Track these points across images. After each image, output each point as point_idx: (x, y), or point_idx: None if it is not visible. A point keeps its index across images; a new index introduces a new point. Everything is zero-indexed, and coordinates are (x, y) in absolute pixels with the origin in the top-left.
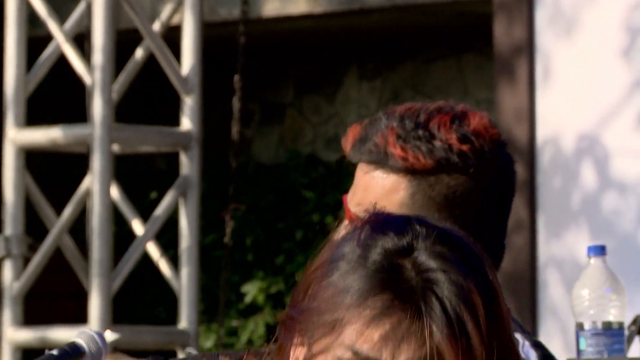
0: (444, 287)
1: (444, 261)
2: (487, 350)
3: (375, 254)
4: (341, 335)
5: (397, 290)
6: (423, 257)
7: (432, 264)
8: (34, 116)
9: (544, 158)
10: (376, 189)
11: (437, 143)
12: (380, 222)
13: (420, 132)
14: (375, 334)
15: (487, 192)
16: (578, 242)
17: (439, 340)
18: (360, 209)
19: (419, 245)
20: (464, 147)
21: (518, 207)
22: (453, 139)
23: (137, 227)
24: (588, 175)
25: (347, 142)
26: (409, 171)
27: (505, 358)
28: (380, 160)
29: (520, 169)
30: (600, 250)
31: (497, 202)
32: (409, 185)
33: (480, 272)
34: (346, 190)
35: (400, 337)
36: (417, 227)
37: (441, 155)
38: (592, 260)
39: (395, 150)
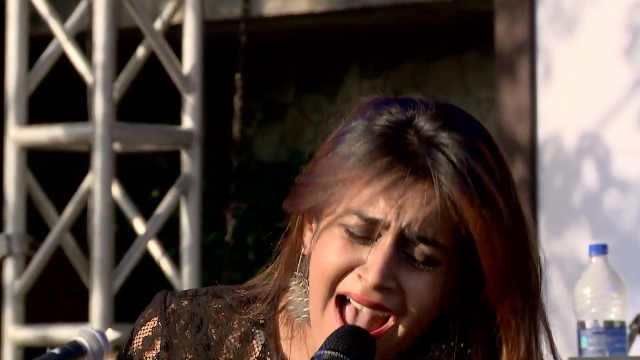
0: (449, 143)
1: (446, 124)
2: (504, 198)
3: (379, 125)
4: (344, 197)
5: (399, 152)
6: (426, 124)
7: (434, 128)
8: (35, 115)
9: (545, 157)
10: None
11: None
12: (383, 101)
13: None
14: (377, 191)
15: None
16: (579, 240)
17: (449, 190)
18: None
19: (421, 115)
20: None
21: None
22: None
23: (139, 225)
24: (589, 174)
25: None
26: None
27: (519, 217)
28: None
29: (521, 168)
30: (601, 249)
31: None
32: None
33: (483, 131)
34: None
35: (403, 194)
36: (419, 102)
37: None
38: (594, 259)
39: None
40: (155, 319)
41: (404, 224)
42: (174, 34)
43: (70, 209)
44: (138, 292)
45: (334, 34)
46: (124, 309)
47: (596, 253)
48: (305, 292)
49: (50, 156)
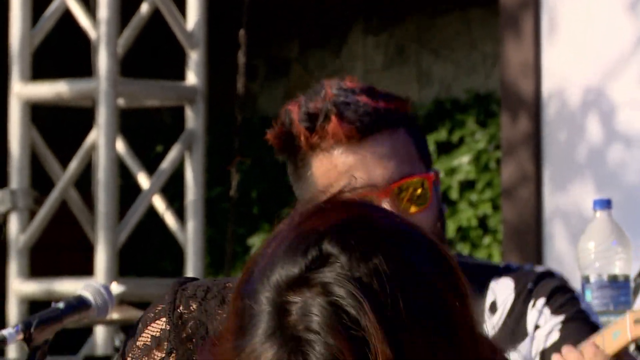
0: (320, 343)
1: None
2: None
3: (264, 296)
4: None
5: (281, 343)
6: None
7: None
8: (39, 70)
9: (550, 111)
10: (399, 147)
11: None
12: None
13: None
14: None
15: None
16: (584, 195)
17: None
18: (411, 168)
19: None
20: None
21: (523, 160)
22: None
23: (143, 180)
24: (594, 128)
25: (334, 136)
26: (403, 119)
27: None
28: (384, 120)
29: (525, 122)
30: (606, 204)
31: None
32: (407, 133)
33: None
34: None
35: None
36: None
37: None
38: (598, 214)
39: (384, 104)
40: (163, 319)
41: None
42: None
43: (74, 164)
44: (142, 246)
45: None
46: (129, 263)
47: (600, 207)
48: None
49: (54, 111)
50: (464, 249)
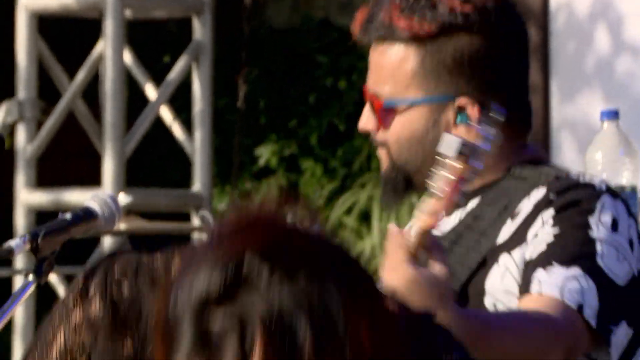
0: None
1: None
2: None
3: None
4: None
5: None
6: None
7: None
8: None
9: (558, 22)
10: (387, 63)
11: (440, 8)
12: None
13: (423, 2)
14: None
15: (497, 50)
16: (591, 105)
17: None
18: (378, 88)
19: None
20: (466, 8)
21: (531, 71)
22: (455, 3)
23: (150, 91)
24: (601, 39)
25: (356, 26)
26: (415, 39)
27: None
28: (387, 35)
29: (533, 33)
30: (613, 115)
31: (510, 60)
32: (416, 52)
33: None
34: (360, 55)
35: None
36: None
37: (444, 19)
38: (606, 124)
39: (399, 22)
40: (97, 300)
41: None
42: None
43: (81, 75)
44: (150, 157)
45: None
46: (136, 174)
47: (608, 118)
48: None
49: (61, 23)
50: None
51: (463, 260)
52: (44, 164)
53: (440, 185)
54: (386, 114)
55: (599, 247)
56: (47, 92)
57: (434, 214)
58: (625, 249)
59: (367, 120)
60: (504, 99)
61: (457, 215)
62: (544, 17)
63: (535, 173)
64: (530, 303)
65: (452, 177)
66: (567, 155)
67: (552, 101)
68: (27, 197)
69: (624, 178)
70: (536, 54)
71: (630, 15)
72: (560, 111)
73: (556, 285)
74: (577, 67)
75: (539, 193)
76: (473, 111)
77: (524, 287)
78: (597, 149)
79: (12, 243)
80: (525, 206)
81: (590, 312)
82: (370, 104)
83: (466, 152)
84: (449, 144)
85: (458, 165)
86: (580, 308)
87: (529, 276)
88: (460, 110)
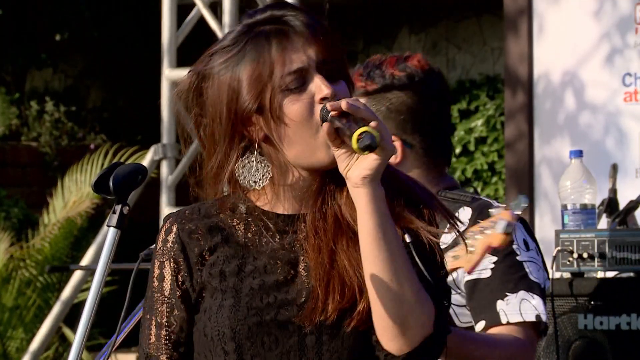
0: (293, 12)
1: (287, 8)
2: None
3: (246, 28)
4: (269, 77)
5: (275, 32)
6: (274, 12)
7: (280, 13)
8: (182, 60)
9: (539, 88)
10: None
11: (384, 73)
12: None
13: (376, 70)
14: (285, 55)
15: (420, 103)
16: (563, 147)
17: (311, 29)
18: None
19: (266, 12)
20: (400, 74)
21: (520, 122)
22: (395, 70)
23: None
24: (569, 100)
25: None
26: (367, 93)
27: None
28: (355, 91)
29: (521, 96)
30: (578, 153)
31: (431, 110)
32: (369, 103)
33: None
34: None
35: (298, 47)
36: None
37: (384, 81)
38: (573, 160)
39: (358, 83)
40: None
41: (312, 57)
42: None
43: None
44: None
45: (390, 1)
46: None
47: (574, 156)
48: (260, 165)
49: None
50: (478, 185)
51: None
52: (180, 190)
53: (478, 247)
54: None
55: (526, 267)
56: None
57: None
58: (538, 260)
59: None
60: (424, 138)
61: None
62: (529, 84)
63: (459, 196)
64: (504, 331)
65: (494, 245)
66: (545, 183)
67: (535, 144)
68: (168, 212)
69: (586, 199)
70: (524, 110)
71: (589, 83)
72: (541, 151)
73: (516, 312)
74: (553, 120)
75: (465, 212)
76: (400, 148)
77: (494, 318)
78: (567, 179)
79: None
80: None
81: (543, 316)
82: None
83: (509, 230)
84: (501, 223)
85: (503, 237)
86: (537, 317)
87: (494, 308)
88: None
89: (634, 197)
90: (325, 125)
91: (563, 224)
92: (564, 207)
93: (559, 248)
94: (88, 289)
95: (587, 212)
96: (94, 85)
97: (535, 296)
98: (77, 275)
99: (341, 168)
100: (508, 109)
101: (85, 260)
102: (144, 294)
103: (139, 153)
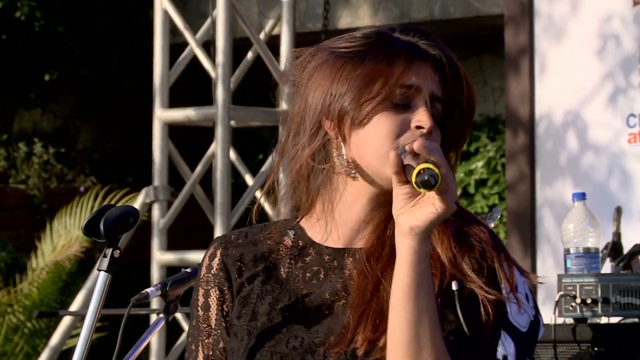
0: (426, 40)
1: (415, 32)
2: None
3: (374, 36)
4: (381, 82)
5: (402, 46)
6: (403, 34)
7: (411, 34)
8: (174, 100)
9: (540, 128)
10: None
11: None
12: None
13: None
14: (406, 69)
15: None
16: (565, 189)
17: (446, 64)
18: None
19: (395, 31)
20: None
21: (522, 164)
22: None
23: (249, 179)
24: (572, 141)
25: None
26: None
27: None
28: None
29: (523, 137)
30: (581, 196)
31: None
32: None
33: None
34: None
35: (421, 69)
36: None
37: None
38: (576, 203)
39: None
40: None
41: (430, 87)
42: (273, 42)
43: (199, 168)
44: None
45: None
46: None
47: (577, 199)
48: (341, 158)
49: (185, 129)
50: None
51: None
52: (172, 233)
53: None
54: None
55: (507, 307)
56: (175, 180)
57: None
58: (523, 303)
59: None
60: None
61: None
62: (530, 124)
63: None
64: None
65: None
66: (547, 226)
67: (537, 186)
68: (160, 257)
69: (589, 243)
70: (525, 152)
71: (592, 124)
72: (543, 193)
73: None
74: (555, 161)
75: None
76: None
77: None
78: (569, 221)
79: (148, 290)
80: None
81: (511, 358)
82: None
83: None
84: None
85: None
86: (504, 357)
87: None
88: None
89: (638, 241)
90: (392, 155)
91: (566, 268)
92: (567, 251)
93: (561, 293)
94: (77, 335)
95: (590, 256)
96: (84, 126)
97: (509, 338)
98: (66, 320)
99: (395, 209)
100: (509, 150)
101: (74, 306)
102: (135, 340)
103: (130, 195)
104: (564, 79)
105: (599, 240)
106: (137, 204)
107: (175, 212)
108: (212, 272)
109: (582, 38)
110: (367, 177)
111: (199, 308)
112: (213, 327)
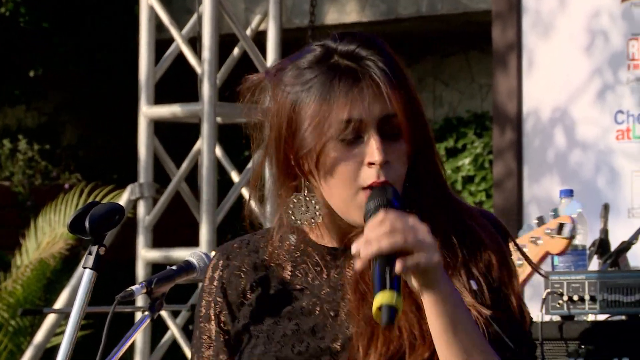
0: (367, 54)
1: (361, 44)
2: (410, 83)
3: (313, 65)
4: (326, 123)
5: (339, 73)
6: (345, 47)
7: (353, 48)
8: (160, 97)
9: (528, 125)
10: None
11: None
12: (301, 50)
13: None
14: (347, 103)
15: None
16: (552, 186)
17: (383, 83)
18: None
19: (339, 44)
20: None
21: (509, 160)
22: None
23: (235, 176)
24: (559, 138)
25: None
26: None
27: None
28: None
29: (510, 134)
30: (569, 193)
31: None
32: None
33: (385, 46)
34: None
35: (362, 96)
36: (333, 36)
37: None
38: (563, 200)
39: None
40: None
41: (376, 113)
42: (260, 38)
43: (185, 164)
44: (234, 225)
45: None
46: (225, 237)
47: (565, 195)
48: (311, 203)
49: (171, 126)
50: None
51: None
52: (158, 230)
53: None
54: None
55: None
56: (160, 177)
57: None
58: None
59: None
60: None
61: None
62: (518, 121)
63: None
64: None
65: (553, 252)
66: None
67: (524, 183)
68: (145, 255)
69: (576, 240)
70: (512, 148)
71: (579, 120)
72: (530, 190)
73: None
74: (542, 158)
75: None
76: None
77: None
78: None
79: (134, 288)
80: None
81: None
82: None
83: (574, 234)
84: (567, 227)
85: (566, 242)
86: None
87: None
88: None
89: (625, 238)
90: (359, 262)
91: (553, 266)
92: None
93: (548, 290)
94: (62, 333)
95: (577, 253)
96: (69, 123)
97: None
98: (50, 318)
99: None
100: (496, 147)
101: (59, 303)
102: (120, 338)
103: (115, 192)
104: (551, 75)
105: (586, 237)
106: (123, 201)
107: (160, 209)
108: (214, 283)
109: (570, 34)
110: (338, 214)
111: (201, 319)
112: (213, 338)
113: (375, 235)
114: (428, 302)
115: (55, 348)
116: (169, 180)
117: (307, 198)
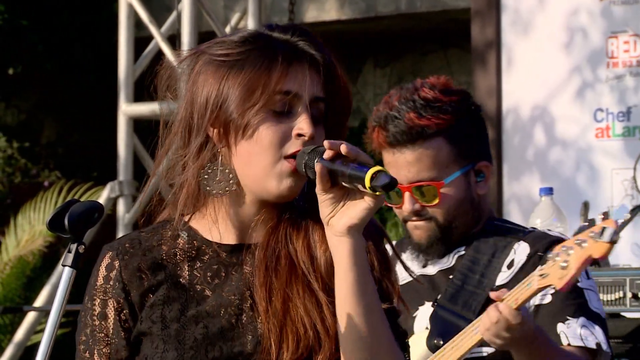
0: (301, 38)
1: (294, 32)
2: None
3: (249, 42)
4: (259, 90)
5: (277, 49)
6: (281, 34)
7: (289, 34)
8: (139, 94)
9: (508, 123)
10: (426, 156)
11: (438, 104)
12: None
13: (420, 102)
14: (283, 75)
15: (481, 126)
16: (532, 184)
17: (321, 63)
18: (424, 175)
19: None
20: (454, 99)
21: None
22: (442, 97)
23: None
24: (539, 135)
25: (378, 142)
26: (440, 131)
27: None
28: (418, 136)
29: (490, 131)
30: (548, 191)
31: (486, 130)
32: (445, 140)
33: (309, 32)
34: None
35: (298, 72)
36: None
37: (453, 110)
38: (543, 198)
39: (422, 122)
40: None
41: (310, 90)
42: None
43: (165, 162)
44: None
45: (355, 35)
46: None
47: (544, 193)
48: (224, 172)
49: (150, 124)
50: None
51: (473, 296)
52: (138, 228)
53: (573, 261)
54: (435, 191)
55: (586, 294)
56: (140, 175)
57: (564, 280)
58: (596, 289)
59: (410, 204)
60: (490, 159)
61: (450, 259)
62: (497, 119)
63: (511, 229)
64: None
65: (595, 256)
66: (514, 221)
67: (504, 181)
68: None
69: None
70: (491, 146)
71: (559, 118)
72: (510, 188)
73: (577, 336)
74: (522, 156)
75: (522, 247)
76: (488, 170)
77: (554, 339)
78: (536, 216)
79: None
80: (518, 258)
81: (604, 345)
82: (418, 190)
83: (616, 239)
84: (608, 231)
85: (608, 246)
86: (598, 345)
87: (554, 330)
88: (478, 171)
89: None
90: (319, 166)
91: None
92: None
93: None
94: (42, 330)
95: None
96: (48, 120)
97: (596, 326)
98: (30, 316)
99: (324, 214)
100: None
101: (39, 301)
102: None
103: (94, 189)
104: (531, 73)
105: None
106: (102, 198)
107: (140, 207)
108: (110, 282)
109: (549, 32)
110: (250, 188)
111: (95, 317)
112: (110, 336)
113: (356, 148)
114: (350, 246)
115: (36, 346)
116: (149, 178)
117: (222, 167)
